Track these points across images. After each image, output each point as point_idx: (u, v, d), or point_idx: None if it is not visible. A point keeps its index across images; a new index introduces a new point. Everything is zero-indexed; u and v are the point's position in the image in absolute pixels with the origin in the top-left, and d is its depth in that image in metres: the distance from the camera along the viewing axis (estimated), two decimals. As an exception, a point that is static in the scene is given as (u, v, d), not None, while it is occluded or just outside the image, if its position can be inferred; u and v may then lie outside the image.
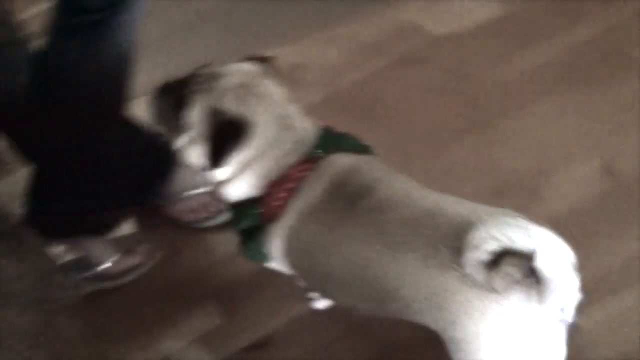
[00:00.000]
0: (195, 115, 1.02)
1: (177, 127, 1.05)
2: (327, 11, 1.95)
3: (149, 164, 1.51)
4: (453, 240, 0.84)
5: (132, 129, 1.45)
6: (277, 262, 1.08)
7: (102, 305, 1.49)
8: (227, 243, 1.49)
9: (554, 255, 0.77)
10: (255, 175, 1.03)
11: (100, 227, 1.48)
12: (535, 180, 1.37)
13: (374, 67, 1.76)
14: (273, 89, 1.05)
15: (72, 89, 1.29)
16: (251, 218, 1.05)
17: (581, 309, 0.85)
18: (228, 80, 1.02)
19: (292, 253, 1.02)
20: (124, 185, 1.46)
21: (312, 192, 1.00)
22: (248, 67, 1.06)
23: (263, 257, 1.07)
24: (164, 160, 1.53)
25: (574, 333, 0.86)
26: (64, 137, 1.32)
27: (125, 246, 1.49)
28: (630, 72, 1.56)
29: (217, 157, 1.00)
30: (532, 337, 0.83)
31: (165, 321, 1.47)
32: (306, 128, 1.05)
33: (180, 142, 1.07)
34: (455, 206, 0.89)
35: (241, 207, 1.07)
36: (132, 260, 1.49)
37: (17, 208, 1.44)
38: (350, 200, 0.97)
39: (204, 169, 1.08)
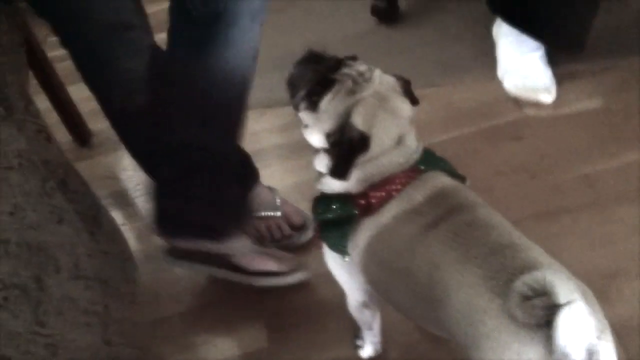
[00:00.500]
0: (333, 105, 1.05)
1: (302, 99, 1.09)
2: (433, 68, 1.99)
3: (240, 177, 1.56)
4: (516, 276, 0.85)
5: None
6: (350, 261, 1.11)
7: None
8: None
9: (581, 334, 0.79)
10: (358, 177, 1.06)
11: (214, 232, 1.52)
12: (605, 281, 1.37)
13: (463, 132, 1.79)
14: (403, 106, 1.08)
15: (178, 91, 1.35)
16: (344, 209, 1.08)
17: None
18: (374, 87, 1.06)
19: (374, 250, 1.06)
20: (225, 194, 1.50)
21: (413, 196, 1.04)
22: (388, 78, 1.09)
23: (342, 249, 1.10)
24: (245, 176, 1.58)
25: None
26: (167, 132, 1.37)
27: (266, 251, 1.54)
28: None
29: (341, 171, 1.04)
30: None
31: (214, 330, 1.52)
32: (416, 144, 1.09)
33: (303, 119, 1.10)
34: (540, 255, 0.92)
35: (335, 198, 1.10)
36: (269, 265, 1.52)
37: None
38: (448, 211, 1.00)
39: (313, 151, 1.12)
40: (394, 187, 1.05)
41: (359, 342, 1.39)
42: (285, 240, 1.60)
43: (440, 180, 1.06)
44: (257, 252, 1.52)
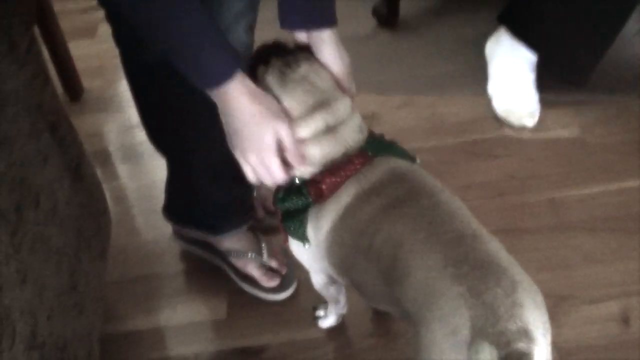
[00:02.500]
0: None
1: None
2: (423, 77, 2.06)
3: None
4: (478, 268, 0.92)
5: None
6: (312, 247, 1.15)
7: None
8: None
9: None
10: (315, 157, 1.10)
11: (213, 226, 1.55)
12: (555, 302, 1.44)
13: (441, 143, 1.85)
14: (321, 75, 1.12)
15: None
16: (300, 197, 1.11)
17: None
18: (299, 72, 1.10)
19: (338, 231, 1.09)
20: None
21: (370, 178, 1.08)
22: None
23: (302, 236, 1.14)
24: None
25: None
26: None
27: (263, 262, 1.56)
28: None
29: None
30: None
31: (177, 297, 1.56)
32: (357, 123, 1.13)
33: None
34: (500, 249, 0.97)
35: (292, 187, 1.13)
36: (259, 277, 1.54)
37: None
38: (408, 194, 1.05)
39: None
40: (346, 172, 1.09)
41: (318, 313, 1.45)
42: (257, 222, 1.65)
43: (394, 162, 1.11)
44: (254, 259, 1.55)
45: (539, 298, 0.94)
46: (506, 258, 0.97)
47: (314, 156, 1.10)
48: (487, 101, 1.93)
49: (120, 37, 1.26)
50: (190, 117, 1.33)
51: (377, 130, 1.17)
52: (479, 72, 1.97)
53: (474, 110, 1.93)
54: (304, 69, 1.10)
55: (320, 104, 1.09)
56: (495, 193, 1.70)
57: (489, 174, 1.75)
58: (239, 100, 1.03)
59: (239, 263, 1.55)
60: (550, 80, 1.89)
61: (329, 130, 1.09)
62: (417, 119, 1.93)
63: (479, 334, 0.88)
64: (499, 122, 1.88)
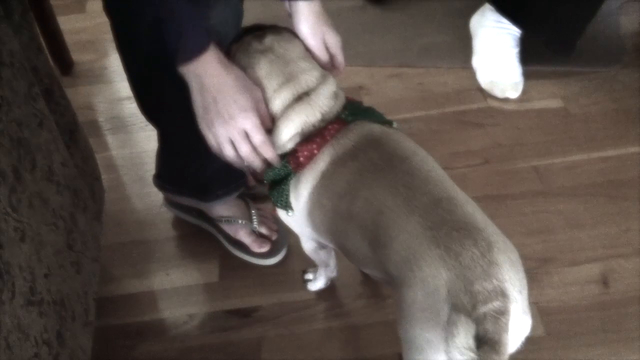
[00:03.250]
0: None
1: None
2: (411, 49, 2.09)
3: None
4: (455, 230, 0.95)
5: None
6: (295, 214, 1.18)
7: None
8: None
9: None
10: (291, 127, 1.13)
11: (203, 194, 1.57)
12: (536, 265, 1.48)
13: (428, 113, 1.88)
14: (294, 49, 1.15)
15: None
16: (282, 167, 1.14)
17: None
18: (264, 44, 1.14)
19: (317, 197, 1.12)
20: None
21: (345, 143, 1.10)
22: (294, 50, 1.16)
23: (285, 205, 1.16)
24: None
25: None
26: None
27: (253, 228, 1.59)
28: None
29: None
30: None
31: (170, 261, 1.59)
32: (331, 94, 1.15)
33: None
34: (476, 211, 1.00)
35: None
36: (249, 243, 1.58)
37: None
38: (383, 158, 1.07)
39: None
40: (322, 140, 1.12)
41: (307, 277, 1.49)
42: (248, 190, 1.68)
43: (369, 127, 1.13)
44: (244, 226, 1.58)
45: (515, 256, 0.98)
46: (482, 219, 1.00)
47: (289, 126, 1.12)
48: (473, 73, 1.96)
49: (111, 8, 1.28)
50: (180, 87, 1.35)
51: (367, 101, 1.19)
52: (467, 44, 2.01)
53: (462, 82, 1.97)
54: (268, 40, 1.13)
55: (287, 75, 1.12)
56: (482, 160, 1.74)
57: (476, 142, 1.80)
58: (215, 69, 1.07)
59: (229, 229, 1.58)
60: (534, 52, 1.93)
61: (300, 99, 1.12)
62: (406, 90, 1.96)
63: (456, 294, 0.92)
64: (484, 94, 1.92)
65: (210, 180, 1.54)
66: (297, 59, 1.14)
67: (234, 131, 1.09)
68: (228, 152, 1.11)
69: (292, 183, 1.15)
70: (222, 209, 1.58)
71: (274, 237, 1.58)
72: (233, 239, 1.58)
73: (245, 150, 1.11)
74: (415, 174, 1.05)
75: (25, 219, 1.00)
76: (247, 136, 1.10)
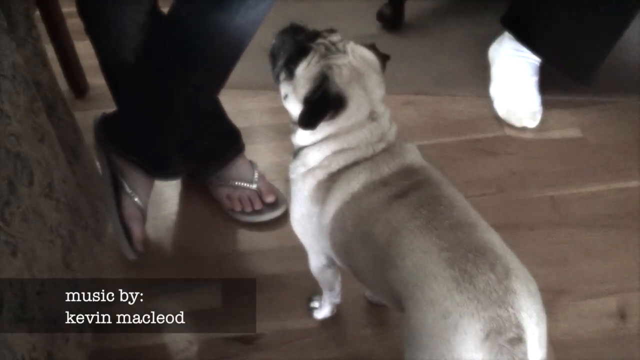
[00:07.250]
0: (307, 71, 1.09)
1: (281, 69, 1.13)
2: (427, 77, 2.06)
3: (218, 143, 1.62)
4: (471, 252, 0.92)
5: (219, 109, 1.58)
6: (316, 227, 1.17)
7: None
8: (258, 241, 1.63)
9: None
10: (330, 150, 1.11)
11: (153, 164, 1.58)
12: (551, 297, 1.43)
13: (443, 140, 1.86)
14: (377, 86, 1.12)
15: (180, 47, 1.39)
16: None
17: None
18: (349, 59, 1.09)
19: (342, 217, 1.10)
20: (189, 148, 1.56)
21: (382, 168, 1.09)
22: (370, 56, 1.13)
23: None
24: (230, 146, 1.64)
25: None
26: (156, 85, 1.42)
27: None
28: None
29: (309, 119, 1.06)
30: None
31: (172, 285, 1.56)
32: (389, 126, 1.14)
33: (282, 90, 1.14)
34: (496, 239, 0.98)
35: None
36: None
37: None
38: (414, 185, 1.06)
39: (292, 123, 1.16)
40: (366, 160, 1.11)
41: (313, 305, 1.45)
42: (255, 214, 1.65)
43: (411, 159, 1.12)
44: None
45: (533, 287, 0.94)
46: (501, 247, 0.97)
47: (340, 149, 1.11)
48: (490, 101, 1.93)
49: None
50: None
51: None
52: (483, 72, 1.98)
53: (478, 110, 1.93)
54: (346, 72, 1.08)
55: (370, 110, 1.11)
56: (495, 189, 1.70)
57: (491, 171, 1.76)
58: None
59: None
60: (553, 81, 1.89)
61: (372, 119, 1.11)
62: (421, 117, 1.93)
63: (469, 319, 0.88)
64: (500, 122, 1.88)
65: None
66: (374, 88, 1.11)
67: None
68: None
69: (320, 192, 1.13)
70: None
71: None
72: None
73: None
74: (441, 201, 1.03)
75: (18, 233, 0.98)
76: None
